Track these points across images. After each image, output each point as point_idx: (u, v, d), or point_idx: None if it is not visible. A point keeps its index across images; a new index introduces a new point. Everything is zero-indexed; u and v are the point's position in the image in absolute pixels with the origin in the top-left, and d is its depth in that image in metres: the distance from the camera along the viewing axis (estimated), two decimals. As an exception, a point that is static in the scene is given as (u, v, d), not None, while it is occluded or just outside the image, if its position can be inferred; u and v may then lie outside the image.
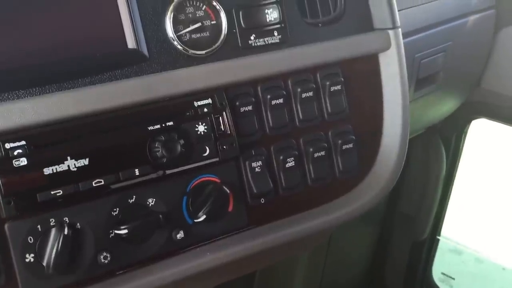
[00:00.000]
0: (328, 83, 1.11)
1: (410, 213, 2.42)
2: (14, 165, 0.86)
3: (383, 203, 2.44)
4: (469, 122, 2.17)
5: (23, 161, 0.86)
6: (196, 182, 1.00)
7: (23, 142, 0.87)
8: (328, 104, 1.12)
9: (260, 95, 1.06)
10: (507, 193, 3.40)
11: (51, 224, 0.89)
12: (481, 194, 3.46)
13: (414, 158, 2.28)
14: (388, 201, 2.45)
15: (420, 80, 1.62)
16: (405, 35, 1.43)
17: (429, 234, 2.43)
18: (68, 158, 0.89)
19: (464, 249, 3.10)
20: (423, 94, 1.67)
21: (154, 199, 0.97)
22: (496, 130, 2.15)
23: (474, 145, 2.42)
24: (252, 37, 1.05)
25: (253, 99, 1.05)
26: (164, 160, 0.95)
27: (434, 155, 2.27)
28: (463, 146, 2.28)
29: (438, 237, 2.47)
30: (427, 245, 2.45)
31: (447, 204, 2.40)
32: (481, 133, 2.46)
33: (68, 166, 0.89)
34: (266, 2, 1.06)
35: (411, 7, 1.50)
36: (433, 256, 2.48)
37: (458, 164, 2.33)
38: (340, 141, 1.13)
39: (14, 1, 0.88)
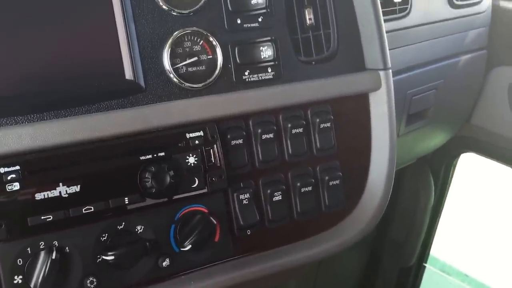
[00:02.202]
0: (318, 120, 1.09)
1: (399, 239, 2.39)
2: (7, 189, 0.84)
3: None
4: (458, 155, 2.15)
5: (16, 186, 0.85)
6: (185, 211, 0.99)
7: (17, 167, 0.85)
8: (317, 140, 1.10)
9: (251, 129, 1.05)
10: (492, 221, 3.39)
11: (41, 247, 0.88)
12: (468, 223, 3.44)
13: (404, 186, 2.26)
14: (378, 227, 2.42)
15: (411, 115, 1.61)
16: (398, 72, 1.43)
17: (417, 260, 2.40)
18: (60, 184, 0.87)
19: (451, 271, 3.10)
20: (413, 129, 1.66)
21: (143, 227, 0.95)
22: (484, 164, 2.13)
23: (462, 177, 2.40)
24: (246, 73, 1.04)
25: (244, 133, 1.03)
26: (154, 190, 0.93)
27: (423, 185, 2.25)
28: (451, 177, 2.26)
29: (425, 264, 2.44)
30: (414, 271, 2.42)
31: (434, 233, 2.38)
32: (469, 166, 2.45)
33: (60, 192, 0.87)
34: (261, 39, 1.05)
35: (404, 46, 1.49)
36: (420, 282, 2.45)
37: (446, 194, 2.31)
38: (327, 177, 1.11)
39: (16, 29, 0.87)
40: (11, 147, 0.85)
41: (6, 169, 0.84)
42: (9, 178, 0.84)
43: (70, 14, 0.91)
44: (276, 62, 1.06)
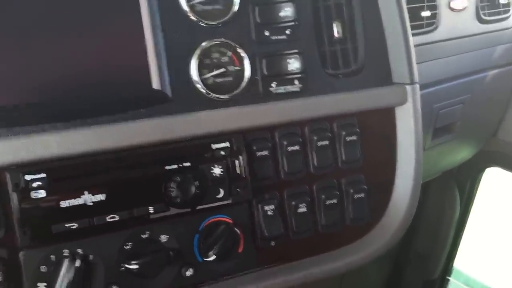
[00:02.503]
0: (344, 133, 1.06)
1: (423, 252, 2.33)
2: (32, 197, 0.83)
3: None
4: (483, 169, 2.09)
5: (41, 193, 0.84)
6: (209, 221, 0.97)
7: (43, 175, 0.84)
8: (342, 153, 1.07)
9: (277, 140, 1.02)
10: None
11: (64, 255, 0.86)
12: (492, 236, 3.35)
13: (429, 199, 2.21)
14: (402, 239, 2.36)
15: (437, 129, 1.57)
16: (424, 86, 1.39)
17: (440, 273, 2.34)
18: (85, 192, 0.86)
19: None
20: (440, 142, 1.61)
21: (167, 236, 0.93)
22: (510, 178, 2.07)
23: (487, 191, 2.34)
24: (273, 85, 1.02)
25: (270, 145, 1.01)
26: (179, 199, 0.91)
27: (449, 198, 2.20)
28: (476, 191, 2.21)
29: (449, 278, 2.38)
30: (438, 285, 2.35)
31: (459, 246, 2.31)
32: (495, 180, 2.38)
33: (85, 200, 0.86)
34: (289, 52, 1.03)
35: (431, 60, 1.45)
36: (443, 296, 2.39)
37: (471, 208, 2.25)
38: (352, 190, 1.08)
39: (43, 34, 0.87)
40: (38, 155, 0.85)
41: (32, 176, 0.84)
42: (35, 185, 0.83)
43: (99, 22, 0.91)
44: (303, 75, 1.03)
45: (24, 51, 0.85)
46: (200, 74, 0.96)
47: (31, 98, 0.86)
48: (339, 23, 1.09)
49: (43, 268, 0.85)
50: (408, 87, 1.10)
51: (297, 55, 1.03)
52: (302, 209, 1.03)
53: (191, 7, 0.96)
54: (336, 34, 1.09)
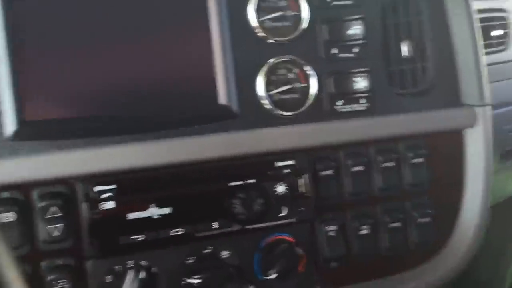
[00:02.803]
0: (410, 154, 1.03)
1: (483, 280, 2.24)
2: (101, 208, 0.85)
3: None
4: (552, 195, 1.99)
5: (110, 205, 0.86)
6: (270, 239, 0.96)
7: (112, 187, 0.86)
8: (408, 176, 1.04)
9: (342, 160, 1.01)
10: None
11: (129, 266, 0.88)
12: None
13: (493, 224, 2.12)
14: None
15: (506, 152, 1.50)
16: (494, 107, 1.34)
17: (501, 302, 2.24)
18: (152, 205, 0.87)
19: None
20: (508, 166, 1.55)
21: (228, 252, 0.93)
22: None
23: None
24: (339, 103, 1.00)
25: (334, 164, 0.99)
26: (242, 216, 0.91)
27: (512, 224, 2.10)
28: (543, 217, 2.10)
29: (510, 306, 2.27)
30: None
31: (521, 274, 2.21)
32: None
33: (151, 213, 0.87)
34: (356, 70, 1.01)
35: (501, 80, 1.40)
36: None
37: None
38: (417, 214, 1.05)
39: (120, 52, 0.89)
40: (108, 166, 0.86)
41: (102, 188, 0.86)
42: (104, 196, 0.85)
43: (169, 37, 0.92)
44: (370, 94, 1.01)
45: (98, 64, 0.88)
46: (267, 90, 0.96)
47: (102, 111, 0.88)
48: (408, 42, 1.07)
49: (108, 278, 0.87)
50: (478, 109, 1.06)
51: (364, 74, 1.01)
52: (365, 231, 1.01)
53: (260, 23, 0.96)
54: (404, 53, 1.07)
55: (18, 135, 0.83)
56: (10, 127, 0.83)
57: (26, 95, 0.84)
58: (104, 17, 0.88)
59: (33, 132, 0.84)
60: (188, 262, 0.91)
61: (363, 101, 1.01)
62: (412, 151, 1.04)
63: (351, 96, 1.01)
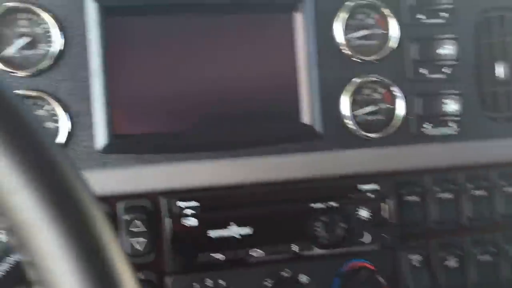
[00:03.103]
0: (503, 183, 0.98)
1: None
2: (184, 224, 0.85)
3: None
4: None
5: (192, 221, 0.85)
6: (351, 265, 0.92)
7: (195, 203, 0.85)
8: (501, 205, 0.98)
9: (428, 186, 0.96)
10: None
11: (207, 284, 0.87)
12: None
13: None
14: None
15: None
16: None
17: None
18: (233, 224, 0.86)
19: None
20: None
21: (307, 276, 0.90)
22: None
23: None
24: (427, 126, 0.96)
25: (420, 190, 0.95)
26: (323, 240, 0.88)
27: None
28: None
29: None
30: None
31: None
32: None
33: (232, 232, 0.86)
34: (447, 92, 0.97)
35: None
36: None
37: None
38: (510, 247, 0.98)
39: (204, 71, 0.89)
40: (191, 183, 0.86)
41: (185, 204, 0.85)
42: (187, 212, 0.85)
43: (253, 54, 0.91)
44: (461, 117, 0.97)
45: (184, 81, 0.88)
46: (351, 110, 0.94)
47: (187, 127, 0.88)
48: (502, 63, 1.02)
49: (187, 295, 0.86)
50: None
51: (455, 96, 0.97)
52: (452, 262, 0.96)
53: (347, 41, 0.94)
54: (499, 74, 1.01)
55: (107, 148, 0.84)
56: (100, 140, 0.84)
57: (116, 108, 0.85)
58: (192, 36, 0.88)
59: (121, 145, 0.85)
60: (265, 284, 0.89)
61: (452, 124, 0.97)
62: (505, 179, 0.98)
63: (440, 119, 0.96)
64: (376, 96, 0.96)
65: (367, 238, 0.91)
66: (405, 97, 0.96)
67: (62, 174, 0.35)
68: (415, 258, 0.94)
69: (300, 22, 0.91)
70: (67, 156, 0.36)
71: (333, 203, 0.90)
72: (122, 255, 0.36)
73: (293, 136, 0.92)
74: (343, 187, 0.91)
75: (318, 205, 0.89)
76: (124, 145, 0.86)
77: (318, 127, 0.92)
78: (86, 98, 0.85)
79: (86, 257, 0.34)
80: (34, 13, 0.84)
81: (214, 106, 0.89)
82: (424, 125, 0.96)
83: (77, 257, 0.34)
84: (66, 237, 0.34)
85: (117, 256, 0.35)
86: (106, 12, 0.85)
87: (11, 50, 0.84)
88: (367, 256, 0.93)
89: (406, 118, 0.96)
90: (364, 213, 0.91)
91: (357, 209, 0.91)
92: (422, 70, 0.97)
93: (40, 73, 0.84)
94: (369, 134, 0.94)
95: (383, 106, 0.96)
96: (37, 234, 0.33)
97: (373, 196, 0.92)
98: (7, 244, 0.62)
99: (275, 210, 0.89)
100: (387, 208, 0.92)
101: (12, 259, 0.62)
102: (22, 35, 0.84)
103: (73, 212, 0.34)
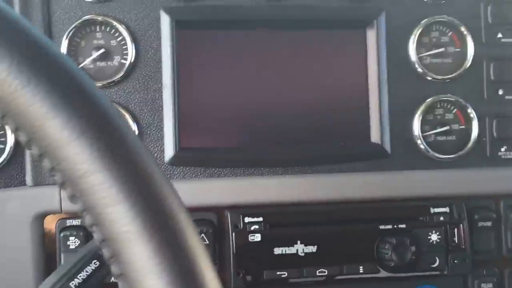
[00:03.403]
0: None
1: None
2: (249, 240, 0.84)
3: None
4: None
5: (257, 237, 0.84)
6: (419, 291, 0.89)
7: (260, 219, 0.84)
8: None
9: (502, 212, 0.92)
10: None
11: None
12: None
13: None
14: None
15: None
16: None
17: None
18: (298, 242, 0.84)
19: None
20: None
21: (372, 300, 0.88)
22: None
23: None
24: (503, 149, 0.92)
25: (494, 215, 0.91)
26: (391, 262, 0.85)
27: None
28: None
29: None
30: None
31: None
32: None
33: (297, 250, 0.84)
34: (526, 115, 0.93)
35: None
36: None
37: None
38: None
39: (276, 89, 0.88)
40: (257, 198, 0.86)
41: (251, 219, 0.84)
42: (252, 228, 0.84)
43: (324, 71, 0.90)
44: (541, 144, 0.92)
45: (252, 97, 0.88)
46: (422, 131, 0.91)
47: (254, 143, 0.88)
48: None
49: (248, 311, 0.85)
50: None
51: (536, 119, 0.93)
52: (526, 293, 0.92)
53: (420, 59, 0.91)
54: None
55: (174, 161, 0.85)
56: (169, 152, 0.85)
57: (184, 121, 0.85)
58: (263, 51, 0.88)
59: (188, 158, 0.85)
60: (330, 304, 0.87)
61: (530, 148, 0.93)
62: None
63: (517, 142, 0.93)
64: (449, 116, 0.93)
65: (436, 263, 0.88)
66: (480, 118, 0.92)
67: (159, 188, 0.35)
68: (487, 287, 0.90)
69: (373, 39, 0.90)
70: (160, 169, 0.36)
71: (402, 225, 0.87)
72: (215, 272, 0.35)
73: (361, 155, 0.90)
74: (413, 209, 0.89)
75: (387, 227, 0.87)
76: (191, 158, 0.86)
77: (387, 146, 0.90)
78: (156, 110, 0.86)
79: (178, 272, 0.33)
80: (110, 26, 0.86)
81: (283, 122, 0.89)
82: (501, 148, 0.93)
83: (171, 272, 0.33)
84: (162, 251, 0.33)
85: (210, 274, 0.34)
86: (179, 26, 0.86)
87: (87, 62, 0.86)
88: (436, 282, 0.89)
89: (480, 140, 0.92)
90: (434, 237, 0.88)
91: (428, 233, 0.88)
92: (499, 91, 0.93)
93: (113, 84, 0.86)
94: (440, 156, 0.91)
95: (456, 126, 0.93)
96: (132, 247, 0.33)
97: (444, 220, 0.89)
98: (89, 253, 0.63)
99: (341, 229, 0.87)
100: (458, 232, 0.89)
101: (90, 267, 0.63)
102: (97, 47, 0.86)
103: (170, 227, 0.34)
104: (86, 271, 0.65)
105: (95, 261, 0.60)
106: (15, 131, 0.34)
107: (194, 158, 0.86)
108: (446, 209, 0.89)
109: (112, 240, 0.34)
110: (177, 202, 0.35)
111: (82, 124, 0.33)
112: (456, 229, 0.89)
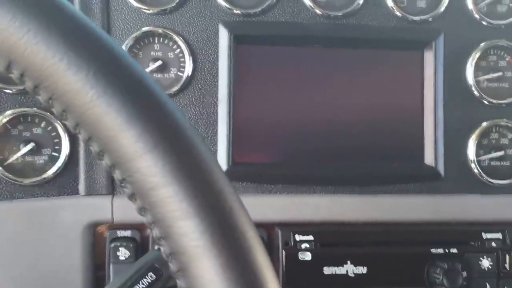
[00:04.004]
0: None
1: None
2: (299, 258, 0.83)
3: None
4: None
5: (308, 256, 0.84)
6: (469, 317, 0.88)
7: (311, 237, 0.84)
8: None
9: (556, 239, 0.90)
10: None
11: None
12: None
13: None
14: None
15: None
16: None
17: None
18: (348, 262, 0.84)
19: None
20: None
21: (421, 325, 0.86)
22: None
23: None
24: (558, 176, 0.91)
25: (547, 243, 0.89)
26: (441, 287, 0.84)
27: None
28: None
29: None
30: None
31: None
32: None
33: (347, 271, 0.84)
34: None
35: None
36: None
37: None
38: None
39: (324, 107, 0.88)
40: (308, 216, 0.85)
41: (302, 238, 0.84)
42: (303, 247, 0.84)
43: (380, 91, 0.89)
44: None
45: (304, 114, 0.88)
46: (477, 155, 0.90)
47: (306, 159, 0.88)
48: None
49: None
50: None
51: None
52: None
53: (477, 82, 0.90)
54: None
55: (227, 175, 0.84)
56: (222, 166, 0.84)
57: (238, 137, 0.85)
58: (319, 68, 0.88)
59: (240, 173, 0.86)
60: (374, 327, 0.86)
61: None
62: None
63: None
64: (504, 141, 0.92)
65: (488, 290, 0.87)
66: (536, 143, 0.91)
67: (229, 203, 0.34)
68: (538, 318, 0.88)
69: (430, 61, 0.89)
70: (230, 184, 0.36)
71: (453, 250, 0.86)
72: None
73: (414, 176, 0.90)
74: (464, 234, 0.88)
75: (438, 250, 0.86)
76: (244, 173, 0.86)
77: (441, 169, 0.89)
78: (211, 124, 0.86)
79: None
80: (168, 38, 0.87)
81: (336, 140, 0.88)
82: (556, 175, 0.91)
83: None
84: (230, 267, 0.33)
85: None
86: (237, 41, 0.86)
87: (144, 73, 0.86)
88: (486, 309, 0.88)
89: (536, 166, 0.91)
90: (486, 263, 0.86)
91: (480, 258, 0.86)
92: (556, 118, 0.92)
93: (169, 96, 0.86)
94: (494, 181, 0.90)
95: (510, 152, 0.91)
96: (201, 262, 0.33)
97: (496, 246, 0.87)
98: (145, 265, 0.63)
99: (392, 251, 0.86)
100: (510, 259, 0.87)
101: (146, 280, 0.63)
102: (155, 58, 0.87)
103: (239, 244, 0.34)
104: (142, 284, 0.66)
105: (150, 273, 0.61)
106: (88, 140, 0.34)
107: (247, 173, 0.86)
108: (499, 235, 0.88)
109: (181, 254, 0.34)
110: (246, 219, 0.35)
111: (156, 137, 0.33)
112: (508, 256, 0.87)
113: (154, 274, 0.65)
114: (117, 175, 0.34)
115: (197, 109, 0.86)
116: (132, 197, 0.35)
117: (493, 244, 0.87)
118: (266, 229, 0.85)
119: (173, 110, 0.35)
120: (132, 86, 0.34)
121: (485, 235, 0.88)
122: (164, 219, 0.33)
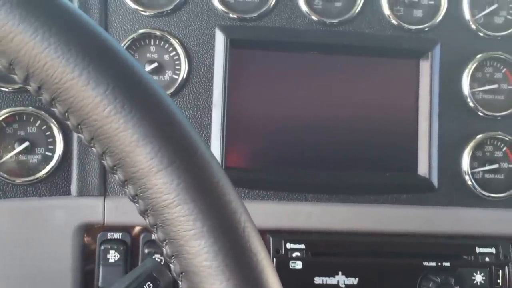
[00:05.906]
0: None
1: None
2: (290, 266, 0.81)
3: None
4: None
5: (299, 265, 0.81)
6: (458, 333, 0.85)
7: (302, 246, 0.81)
8: None
9: (550, 254, 0.88)
10: None
11: None
12: None
13: None
14: None
15: None
16: None
17: None
18: (340, 273, 0.81)
19: None
20: None
21: (409, 338, 0.84)
22: None
23: None
24: (554, 190, 0.88)
25: (543, 258, 0.87)
26: (433, 301, 0.81)
27: None
28: None
29: None
30: None
31: None
32: None
33: (338, 281, 0.81)
34: None
35: None
36: None
37: None
38: None
39: (317, 116, 0.86)
40: (300, 224, 0.83)
41: (293, 246, 0.81)
42: (294, 255, 0.81)
43: (374, 100, 0.87)
44: None
45: (298, 122, 0.86)
46: (471, 167, 0.88)
47: (298, 166, 0.85)
48: None
49: None
50: None
51: None
52: None
53: (472, 93, 0.88)
54: None
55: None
56: (214, 170, 0.82)
57: (231, 141, 0.83)
58: (314, 74, 0.86)
59: (232, 178, 0.82)
60: None
61: None
62: None
63: None
64: (498, 154, 0.90)
65: (480, 305, 0.84)
66: (531, 157, 0.89)
67: (242, 224, 0.34)
68: (532, 336, 0.86)
69: (426, 71, 0.87)
70: (243, 203, 0.36)
71: (446, 263, 0.83)
72: None
73: (407, 187, 0.87)
74: (458, 247, 0.85)
75: (431, 263, 0.83)
76: (236, 178, 0.82)
77: (434, 180, 0.87)
78: (205, 128, 0.84)
79: None
80: (164, 40, 0.84)
81: (330, 147, 0.86)
82: (551, 190, 0.89)
83: None
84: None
85: None
86: (233, 45, 0.84)
87: (139, 75, 0.84)
88: (478, 325, 0.85)
89: (530, 180, 0.89)
90: (479, 277, 0.84)
91: (473, 273, 0.84)
92: (552, 132, 0.90)
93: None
94: (488, 194, 0.88)
95: (505, 165, 0.89)
96: (213, 283, 0.33)
97: (489, 260, 0.85)
98: (143, 274, 0.60)
99: (384, 263, 0.83)
100: (504, 276, 0.85)
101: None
102: (150, 60, 0.85)
103: (251, 266, 0.33)
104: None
105: (149, 283, 0.58)
106: (102, 154, 0.34)
107: (239, 178, 0.84)
108: (492, 250, 0.85)
109: (193, 273, 0.33)
110: (258, 240, 0.34)
111: (172, 154, 0.33)
112: (501, 271, 0.85)
113: (152, 284, 0.63)
114: (130, 190, 0.34)
115: (191, 112, 0.84)
116: (144, 213, 0.34)
117: (487, 259, 0.85)
118: (257, 236, 0.83)
119: (188, 128, 0.35)
120: (150, 102, 0.33)
121: (479, 249, 0.85)
122: (177, 238, 0.33)
